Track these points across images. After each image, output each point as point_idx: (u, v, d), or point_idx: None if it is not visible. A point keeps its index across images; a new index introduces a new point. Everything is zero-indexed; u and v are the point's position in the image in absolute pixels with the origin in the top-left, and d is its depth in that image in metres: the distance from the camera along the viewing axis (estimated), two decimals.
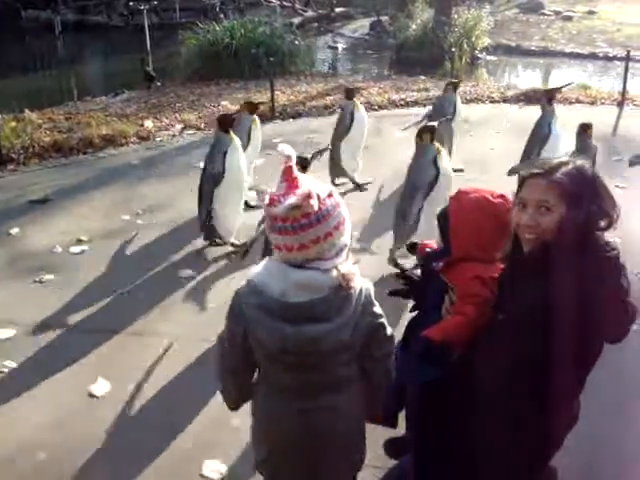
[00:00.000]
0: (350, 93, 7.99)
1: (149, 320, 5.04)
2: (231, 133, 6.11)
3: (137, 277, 5.67)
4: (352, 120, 7.66)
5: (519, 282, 2.36)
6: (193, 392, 4.18)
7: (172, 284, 5.58)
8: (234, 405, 2.59)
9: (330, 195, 2.21)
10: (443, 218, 2.77)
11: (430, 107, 9.21)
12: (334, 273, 2.19)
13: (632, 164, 6.38)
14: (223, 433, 3.82)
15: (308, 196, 2.13)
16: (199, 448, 3.72)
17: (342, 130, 7.66)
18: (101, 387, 4.26)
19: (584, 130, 6.15)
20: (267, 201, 2.19)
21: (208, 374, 4.30)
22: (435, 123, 5.71)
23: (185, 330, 4.90)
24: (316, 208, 2.14)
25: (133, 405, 4.10)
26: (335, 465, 2.50)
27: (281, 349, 2.23)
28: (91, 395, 4.20)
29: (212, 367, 4.33)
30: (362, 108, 7.97)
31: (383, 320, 2.34)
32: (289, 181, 2.19)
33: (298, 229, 2.15)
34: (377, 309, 2.32)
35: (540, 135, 6.94)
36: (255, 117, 7.22)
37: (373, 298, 2.31)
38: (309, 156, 4.77)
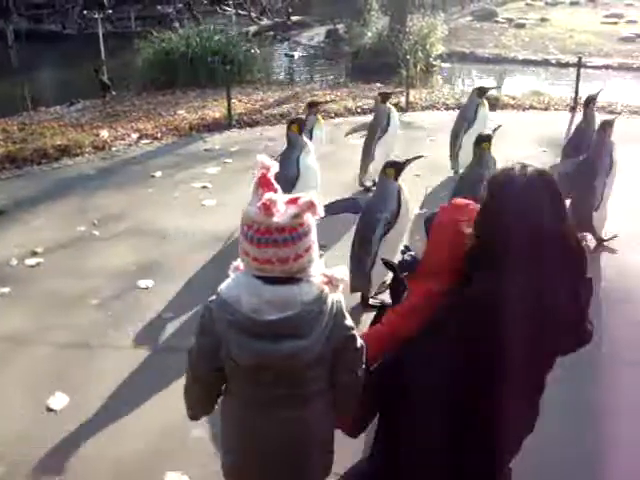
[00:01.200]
0: (385, 97, 8.19)
1: (107, 331, 4.99)
2: (302, 135, 6.24)
3: (94, 288, 5.61)
4: (388, 123, 7.78)
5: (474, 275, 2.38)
6: (153, 403, 4.15)
7: (130, 294, 5.53)
8: (197, 416, 2.58)
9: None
10: (429, 222, 2.75)
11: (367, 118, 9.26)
12: (311, 285, 2.19)
13: None
14: (184, 444, 3.79)
15: (311, 204, 2.12)
16: (161, 460, 3.69)
17: (378, 132, 7.79)
18: (59, 401, 4.20)
19: (603, 129, 6.18)
20: (263, 212, 2.09)
21: (168, 384, 4.29)
22: (401, 160, 5.59)
23: (143, 340, 4.86)
24: (322, 215, 2.15)
25: (92, 418, 4.05)
26: (304, 475, 2.50)
27: (256, 366, 2.21)
28: (49, 409, 4.14)
29: (172, 377, 4.32)
30: (395, 111, 8.19)
31: (354, 332, 2.34)
32: (269, 187, 2.17)
33: (297, 239, 2.13)
34: (348, 322, 2.32)
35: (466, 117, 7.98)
36: (319, 117, 7.47)
37: (344, 310, 2.31)
38: (403, 160, 5.11)
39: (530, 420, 2.51)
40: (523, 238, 2.22)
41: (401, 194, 5.20)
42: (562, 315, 2.27)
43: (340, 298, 2.29)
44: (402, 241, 4.65)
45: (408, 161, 5.45)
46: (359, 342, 2.37)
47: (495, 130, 6.06)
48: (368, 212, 5.16)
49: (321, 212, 2.17)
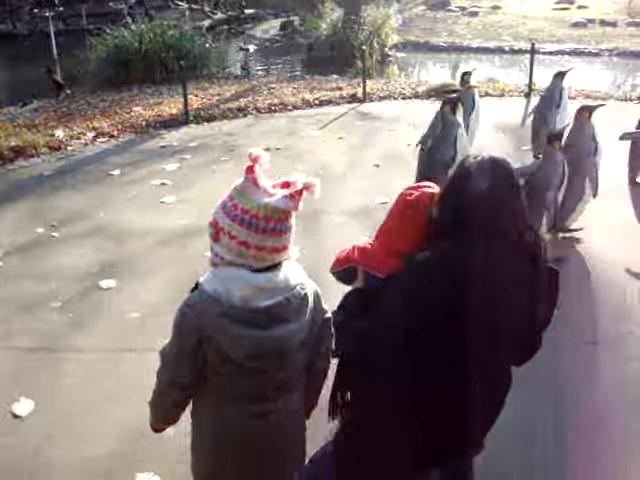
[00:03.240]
0: (467, 77, 8.29)
1: (70, 334, 4.93)
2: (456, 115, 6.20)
3: (55, 290, 5.53)
4: (474, 104, 7.79)
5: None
6: (119, 405, 4.11)
7: (92, 295, 5.47)
8: (164, 426, 2.54)
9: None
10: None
11: None
12: (292, 266, 2.25)
13: (622, 138, 6.68)
14: (153, 445, 3.75)
15: (312, 185, 2.13)
16: (130, 461, 3.65)
17: (465, 113, 7.62)
18: (24, 406, 4.13)
19: (581, 113, 6.07)
20: (297, 200, 2.11)
21: (134, 385, 4.25)
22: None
23: (108, 342, 4.81)
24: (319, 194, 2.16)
25: (59, 422, 4.00)
26: (284, 466, 2.50)
27: (251, 355, 2.18)
28: (14, 415, 4.07)
29: (138, 377, 4.29)
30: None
31: (330, 315, 2.42)
32: (263, 180, 2.17)
33: (292, 226, 2.19)
34: (324, 305, 2.40)
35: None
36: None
37: (320, 295, 2.37)
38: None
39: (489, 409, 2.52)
40: (476, 216, 2.27)
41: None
42: (513, 298, 2.29)
43: (314, 285, 2.34)
44: None
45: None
46: (332, 327, 2.44)
47: (564, 128, 6.03)
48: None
49: (318, 192, 2.15)
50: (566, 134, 5.90)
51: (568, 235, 6.13)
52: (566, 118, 7.20)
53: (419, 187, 2.62)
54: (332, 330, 2.44)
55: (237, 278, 2.14)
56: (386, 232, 2.63)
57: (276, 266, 2.19)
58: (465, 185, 2.34)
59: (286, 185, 2.15)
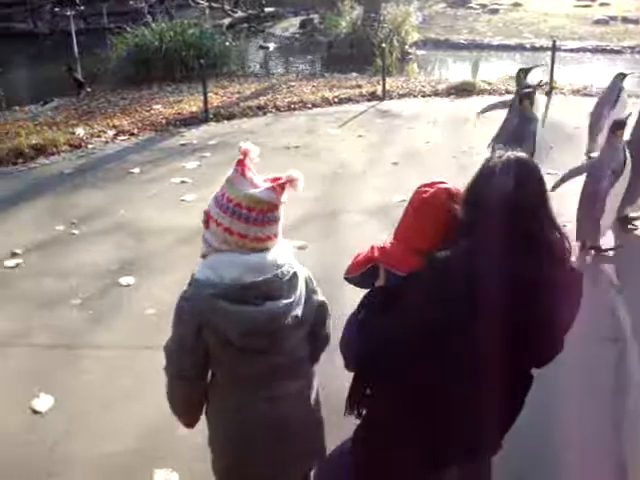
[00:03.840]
0: (523, 75, 7.98)
1: (89, 331, 4.95)
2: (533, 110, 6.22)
3: (75, 288, 5.57)
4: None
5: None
6: (138, 402, 4.13)
7: (111, 293, 5.50)
8: (192, 422, 2.57)
9: None
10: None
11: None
12: (280, 251, 2.31)
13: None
14: (171, 441, 3.77)
15: (294, 180, 2.24)
16: (148, 458, 3.67)
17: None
18: (44, 402, 4.16)
19: (613, 131, 5.85)
20: (278, 192, 2.23)
21: (152, 382, 4.26)
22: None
23: (127, 339, 4.84)
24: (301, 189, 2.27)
25: (78, 418, 4.02)
26: (300, 455, 2.51)
27: (245, 332, 2.22)
28: (34, 411, 4.10)
29: (156, 374, 4.30)
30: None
31: (324, 299, 2.51)
32: (252, 172, 2.28)
33: (277, 218, 2.29)
34: (316, 287, 2.48)
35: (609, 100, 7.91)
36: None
37: (312, 277, 2.46)
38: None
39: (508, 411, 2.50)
40: (501, 216, 2.25)
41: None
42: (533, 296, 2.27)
43: (308, 271, 2.45)
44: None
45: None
46: (329, 309, 2.55)
47: (628, 117, 6.02)
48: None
49: (300, 187, 2.26)
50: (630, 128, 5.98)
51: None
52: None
53: (433, 184, 2.60)
54: (329, 314, 2.54)
55: (226, 261, 2.25)
56: (404, 230, 2.61)
57: (263, 250, 2.27)
58: (489, 184, 2.32)
59: (275, 180, 2.25)
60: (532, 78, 7.83)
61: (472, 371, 2.26)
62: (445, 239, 2.42)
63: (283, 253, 2.33)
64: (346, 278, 2.71)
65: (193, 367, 2.35)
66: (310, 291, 2.42)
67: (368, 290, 2.68)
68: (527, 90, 6.50)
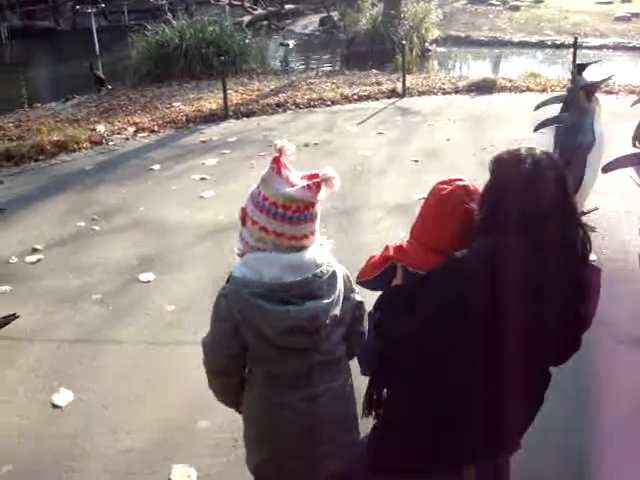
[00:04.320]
0: (577, 70, 7.68)
1: (109, 326, 4.98)
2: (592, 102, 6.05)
3: (95, 283, 5.60)
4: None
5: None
6: (157, 397, 4.15)
7: (131, 288, 5.53)
8: (231, 407, 2.64)
9: None
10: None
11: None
12: (319, 250, 2.32)
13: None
14: (190, 436, 3.79)
15: (330, 179, 2.24)
16: (167, 453, 3.68)
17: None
18: (64, 397, 4.19)
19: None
20: (314, 191, 2.22)
21: (171, 377, 4.29)
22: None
23: (146, 334, 4.86)
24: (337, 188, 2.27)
25: (97, 413, 4.05)
26: (335, 451, 2.50)
27: (285, 331, 2.22)
28: (54, 405, 4.13)
29: (175, 370, 4.33)
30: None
31: (361, 298, 2.49)
32: (288, 169, 2.27)
33: (315, 215, 2.30)
34: (354, 286, 2.47)
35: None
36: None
37: (350, 277, 2.45)
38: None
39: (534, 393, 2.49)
40: (524, 214, 2.23)
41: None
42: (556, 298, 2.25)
43: (343, 267, 2.42)
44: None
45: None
46: (365, 307, 2.52)
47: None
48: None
49: (337, 185, 2.26)
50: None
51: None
52: None
53: (451, 181, 2.58)
54: (365, 312, 2.51)
55: (265, 259, 2.24)
56: (421, 228, 2.60)
57: (300, 249, 2.27)
58: (509, 181, 2.30)
59: (313, 177, 2.24)
60: (588, 74, 7.47)
61: (491, 370, 2.25)
62: (463, 237, 2.41)
63: (321, 252, 2.32)
64: (360, 282, 2.70)
65: (228, 364, 2.36)
66: (348, 290, 2.41)
67: (383, 291, 2.67)
68: (586, 83, 6.22)
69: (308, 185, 2.21)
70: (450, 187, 2.52)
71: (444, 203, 2.51)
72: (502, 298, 2.18)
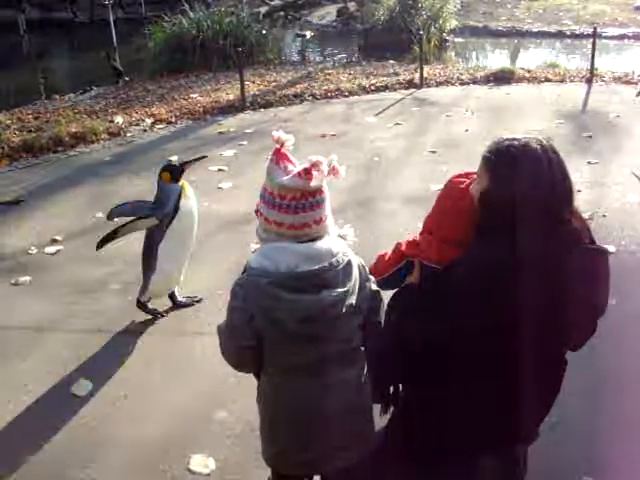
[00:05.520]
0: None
1: (128, 316, 5.00)
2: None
3: (114, 273, 5.63)
4: None
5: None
6: (176, 387, 4.17)
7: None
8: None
9: None
10: None
11: None
12: (334, 239, 2.34)
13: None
14: (209, 427, 3.81)
15: (334, 167, 2.25)
16: (185, 443, 3.70)
17: None
18: (83, 387, 4.22)
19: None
20: (304, 178, 2.20)
21: (191, 368, 4.31)
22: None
23: (164, 325, 4.88)
24: (344, 174, 2.28)
25: (116, 403, 4.08)
26: (351, 441, 2.51)
27: (300, 320, 2.24)
28: (74, 395, 4.16)
29: (195, 360, 4.34)
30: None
31: (378, 288, 2.50)
32: (289, 160, 2.29)
33: (324, 200, 2.29)
34: (371, 276, 2.49)
35: None
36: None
37: (366, 267, 2.46)
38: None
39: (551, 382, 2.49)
40: (533, 205, 2.22)
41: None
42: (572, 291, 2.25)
43: (360, 259, 2.43)
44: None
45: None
46: (382, 295, 2.53)
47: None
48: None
49: (343, 172, 2.27)
50: None
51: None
52: None
53: (467, 174, 2.57)
54: (382, 301, 2.52)
55: (280, 249, 2.26)
56: (439, 222, 2.58)
57: (315, 239, 2.28)
58: (514, 173, 2.28)
59: (317, 165, 2.24)
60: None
61: (516, 361, 2.26)
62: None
63: (337, 241, 2.34)
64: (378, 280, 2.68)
65: (237, 352, 2.40)
66: (364, 279, 2.41)
67: (395, 292, 2.66)
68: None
69: (298, 172, 2.22)
70: (468, 181, 2.51)
71: (463, 198, 2.49)
72: (521, 289, 2.18)
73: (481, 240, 2.34)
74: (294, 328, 2.26)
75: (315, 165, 2.20)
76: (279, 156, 2.28)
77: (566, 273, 2.25)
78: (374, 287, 2.49)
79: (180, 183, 4.77)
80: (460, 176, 2.59)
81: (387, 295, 2.69)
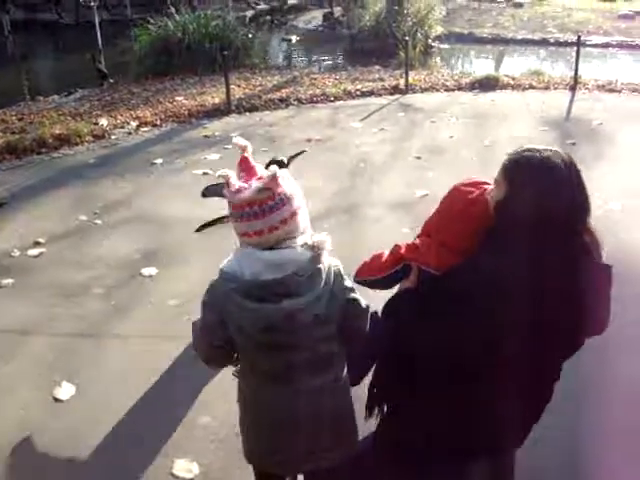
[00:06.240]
0: None
1: (111, 320, 4.98)
2: None
3: (97, 277, 5.60)
4: None
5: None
6: (159, 391, 4.15)
7: (133, 283, 5.53)
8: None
9: (288, 178, 2.28)
10: None
11: None
12: (304, 248, 2.26)
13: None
14: (192, 432, 3.80)
15: (274, 178, 2.18)
16: (169, 448, 3.69)
17: None
18: (66, 391, 4.20)
19: None
20: (233, 190, 2.21)
21: (174, 372, 4.30)
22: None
23: (148, 329, 4.86)
24: (285, 189, 2.21)
25: (99, 407, 4.05)
26: (326, 447, 2.52)
27: (262, 329, 2.24)
28: (56, 399, 4.14)
29: (177, 364, 4.33)
30: None
31: (356, 294, 2.41)
32: (247, 169, 2.27)
33: (267, 211, 2.20)
34: (348, 283, 2.40)
35: None
36: None
37: (343, 273, 2.38)
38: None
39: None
40: (552, 218, 2.23)
41: None
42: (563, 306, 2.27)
43: (338, 263, 2.37)
44: None
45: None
46: (363, 302, 2.45)
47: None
48: None
49: (283, 184, 2.23)
50: None
51: None
52: None
53: (477, 183, 2.55)
54: (361, 308, 2.44)
55: (247, 255, 2.26)
56: (444, 226, 2.55)
57: (281, 247, 2.26)
58: (535, 184, 2.28)
59: (260, 177, 2.25)
60: None
61: (514, 369, 2.26)
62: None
63: (304, 250, 2.28)
64: (361, 280, 2.66)
65: (207, 350, 2.43)
66: (338, 287, 2.35)
67: (391, 297, 2.65)
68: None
69: (232, 189, 2.23)
70: (477, 191, 2.49)
71: (475, 204, 2.47)
72: (523, 300, 2.18)
73: (491, 247, 2.33)
74: (257, 337, 2.27)
75: (228, 180, 2.23)
76: (241, 162, 2.29)
77: (576, 285, 2.26)
78: (351, 295, 2.40)
79: None
80: (467, 185, 2.56)
81: (378, 296, 2.68)
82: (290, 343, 2.30)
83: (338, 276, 2.35)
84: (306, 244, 2.27)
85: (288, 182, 2.26)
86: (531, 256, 2.22)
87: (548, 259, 2.22)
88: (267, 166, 4.77)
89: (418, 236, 2.65)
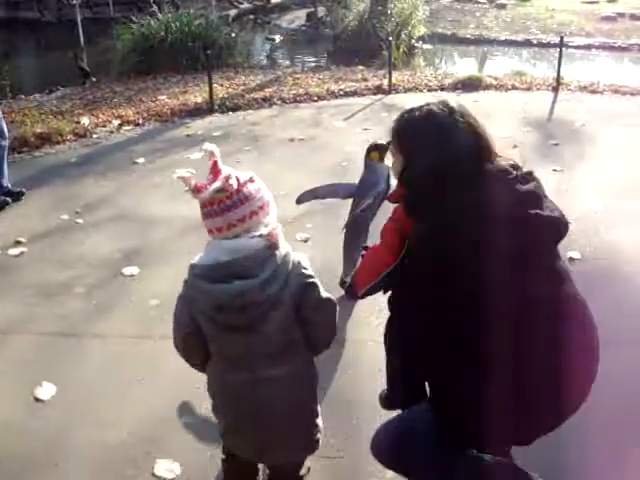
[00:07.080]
0: None
1: (92, 320, 4.95)
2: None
3: (78, 277, 5.57)
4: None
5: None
6: (141, 391, 4.13)
7: (115, 282, 5.50)
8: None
9: (252, 180, 2.48)
10: None
11: None
12: (259, 238, 2.42)
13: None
14: (173, 432, 3.78)
15: (227, 178, 2.39)
16: (150, 448, 3.66)
17: None
18: (47, 391, 4.16)
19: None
20: (195, 190, 2.45)
21: (155, 372, 4.27)
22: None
23: (129, 328, 4.84)
24: (235, 187, 2.40)
25: (81, 407, 4.02)
26: (286, 440, 2.63)
27: (216, 307, 2.41)
28: (37, 399, 4.10)
29: (159, 364, 4.30)
30: None
31: (315, 281, 2.52)
32: (215, 172, 2.47)
33: (225, 210, 2.41)
34: (307, 271, 2.51)
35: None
36: None
37: (305, 262, 2.52)
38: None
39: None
40: (446, 172, 2.33)
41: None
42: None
43: (302, 256, 2.53)
44: None
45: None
46: (324, 293, 2.56)
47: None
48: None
49: (234, 184, 2.40)
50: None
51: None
52: None
53: None
54: (321, 294, 2.54)
55: (212, 244, 2.50)
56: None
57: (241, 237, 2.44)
58: (421, 140, 2.42)
59: (216, 177, 2.46)
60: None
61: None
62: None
63: (262, 240, 2.41)
64: (370, 288, 2.65)
65: (184, 341, 2.59)
66: (295, 273, 2.46)
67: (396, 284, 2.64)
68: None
69: (194, 188, 2.49)
70: None
71: None
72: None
73: (415, 219, 2.38)
74: (216, 318, 2.44)
75: (185, 181, 2.50)
76: (211, 167, 2.50)
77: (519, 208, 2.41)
78: (309, 280, 2.49)
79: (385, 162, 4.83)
80: None
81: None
82: (244, 324, 2.41)
83: (297, 264, 2.48)
84: (261, 235, 2.41)
85: (253, 184, 2.46)
86: (452, 214, 2.28)
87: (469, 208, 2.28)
88: (369, 151, 5.07)
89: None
